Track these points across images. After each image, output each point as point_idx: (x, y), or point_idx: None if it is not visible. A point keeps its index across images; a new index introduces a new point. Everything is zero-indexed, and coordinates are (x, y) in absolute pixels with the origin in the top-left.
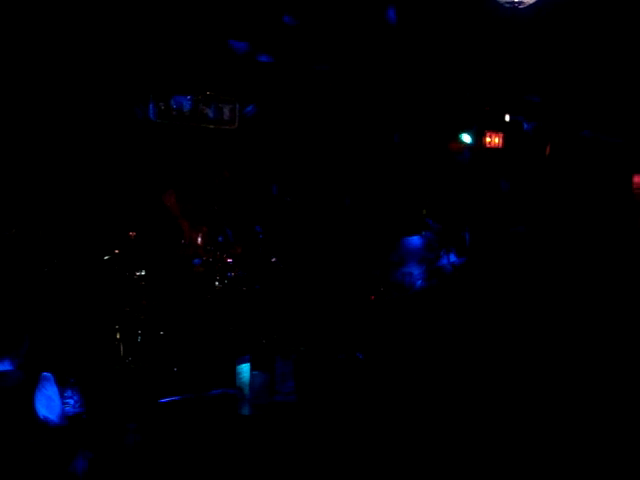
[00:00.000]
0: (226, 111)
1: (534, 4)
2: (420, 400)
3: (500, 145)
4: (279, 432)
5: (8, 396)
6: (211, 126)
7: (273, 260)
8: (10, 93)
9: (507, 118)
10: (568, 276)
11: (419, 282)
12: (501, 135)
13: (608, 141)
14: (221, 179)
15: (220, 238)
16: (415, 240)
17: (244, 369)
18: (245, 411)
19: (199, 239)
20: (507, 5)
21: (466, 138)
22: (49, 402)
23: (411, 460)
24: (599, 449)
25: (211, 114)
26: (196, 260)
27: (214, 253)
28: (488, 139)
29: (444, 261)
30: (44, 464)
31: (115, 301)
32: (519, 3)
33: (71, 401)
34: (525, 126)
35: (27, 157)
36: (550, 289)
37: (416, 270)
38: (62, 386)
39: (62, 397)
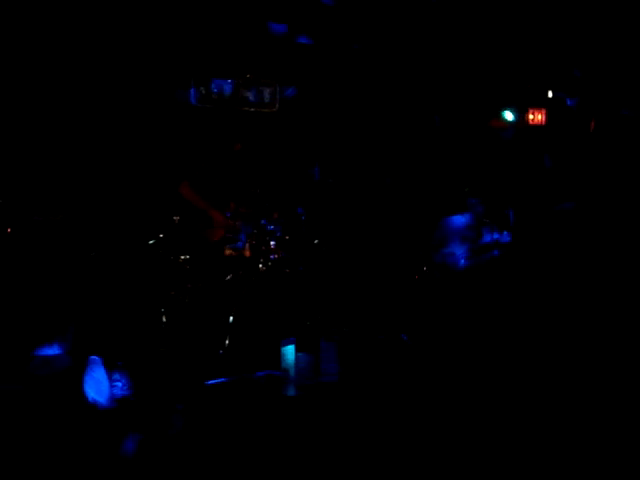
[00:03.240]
0: (266, 94)
1: None
2: (464, 382)
3: (543, 122)
4: (323, 413)
5: (58, 380)
6: (252, 109)
7: (316, 242)
8: (56, 79)
9: (550, 94)
10: (615, 257)
11: (462, 261)
12: (544, 112)
13: None
14: (234, 153)
15: (263, 221)
16: (458, 219)
17: (289, 351)
18: (290, 392)
19: (234, 222)
20: None
21: (508, 115)
22: (98, 385)
23: (448, 442)
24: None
25: (252, 97)
26: (239, 244)
27: (257, 236)
28: (531, 116)
29: (487, 240)
30: (94, 446)
31: (160, 285)
32: None
33: (119, 384)
34: (568, 102)
35: (74, 143)
36: (597, 269)
37: (459, 250)
38: (110, 369)
39: (110, 380)
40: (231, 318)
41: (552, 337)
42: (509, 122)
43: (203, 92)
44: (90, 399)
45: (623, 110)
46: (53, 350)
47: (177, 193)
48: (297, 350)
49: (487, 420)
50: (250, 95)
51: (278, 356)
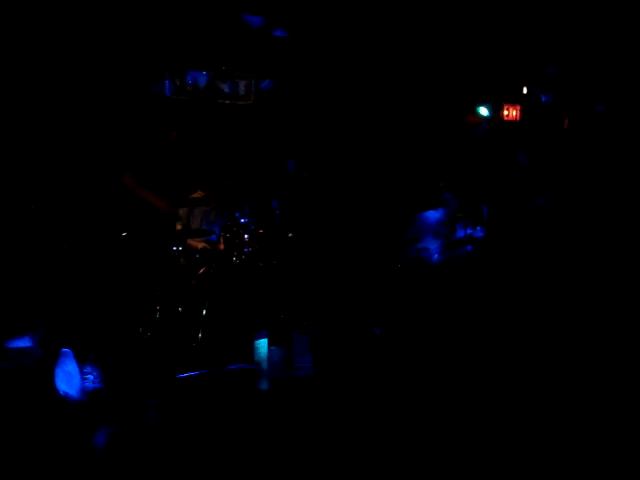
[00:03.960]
0: (242, 86)
1: None
2: (435, 374)
3: (518, 118)
4: (297, 406)
5: (28, 372)
6: (227, 101)
7: (290, 235)
8: (30, 73)
9: (525, 91)
10: (587, 251)
11: (436, 256)
12: (519, 108)
13: (622, 116)
14: (170, 141)
15: (237, 214)
16: (432, 214)
17: (262, 344)
18: (263, 385)
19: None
20: None
21: (483, 111)
22: (69, 378)
23: (425, 434)
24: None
25: (227, 89)
26: (213, 237)
27: (230, 229)
28: (506, 112)
29: (461, 235)
30: (65, 439)
31: (133, 277)
32: None
33: (91, 377)
34: (543, 98)
35: (46, 134)
36: (570, 263)
37: (432, 245)
38: (81, 362)
39: (82, 373)
40: (204, 311)
41: (524, 330)
42: (484, 117)
43: (178, 84)
44: (61, 392)
45: (597, 107)
46: (24, 342)
47: (120, 183)
48: (270, 343)
49: (460, 411)
50: (225, 87)
51: (251, 349)
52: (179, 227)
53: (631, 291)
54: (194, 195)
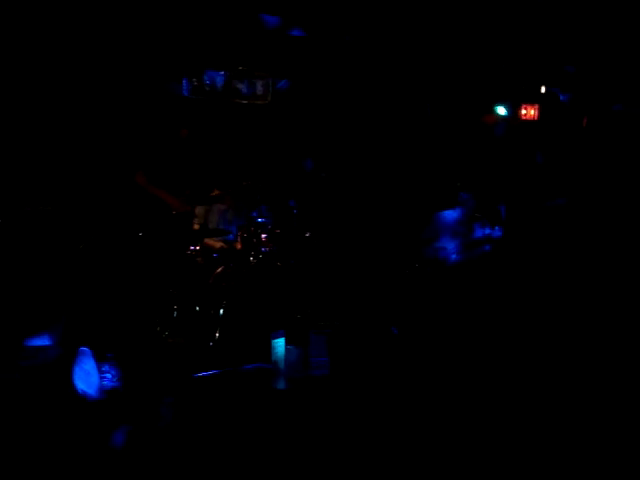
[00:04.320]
0: (259, 86)
1: None
2: (452, 375)
3: (536, 117)
4: (313, 406)
5: (47, 370)
6: (244, 101)
7: (307, 235)
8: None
9: (543, 90)
10: (606, 251)
11: (453, 256)
12: (537, 107)
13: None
14: (181, 139)
15: (254, 213)
16: (449, 214)
17: (279, 344)
18: (280, 385)
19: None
20: None
21: (501, 110)
22: (87, 376)
23: (441, 435)
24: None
25: (244, 89)
26: (230, 236)
27: (248, 229)
28: (524, 111)
29: (479, 235)
30: (84, 437)
31: (151, 276)
32: None
33: (109, 375)
34: (561, 97)
35: (63, 135)
36: (589, 264)
37: (450, 244)
38: (100, 361)
39: (100, 371)
40: (222, 310)
41: (543, 332)
42: (502, 117)
43: (195, 84)
44: (79, 390)
45: (616, 106)
46: (43, 341)
47: (133, 182)
48: (287, 343)
49: (477, 414)
50: (243, 87)
51: (268, 349)
52: (197, 226)
53: None
54: (212, 194)
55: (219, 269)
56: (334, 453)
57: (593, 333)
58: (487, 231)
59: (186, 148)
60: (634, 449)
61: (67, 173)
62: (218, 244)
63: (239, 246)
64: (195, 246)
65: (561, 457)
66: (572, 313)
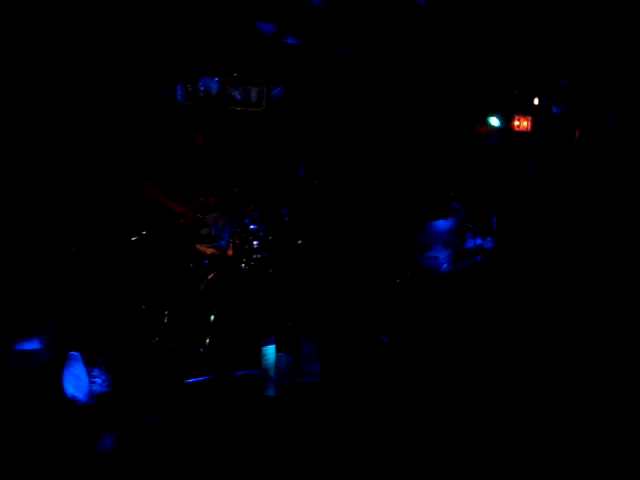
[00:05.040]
0: (253, 93)
1: None
2: (442, 383)
3: (529, 129)
4: (303, 413)
5: (37, 374)
6: (238, 108)
7: (299, 242)
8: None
9: (536, 102)
10: (597, 262)
11: (445, 266)
12: (530, 119)
13: (633, 129)
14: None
15: (246, 220)
16: (441, 224)
17: (269, 351)
18: (270, 392)
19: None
20: None
21: (494, 121)
22: (77, 381)
23: (431, 442)
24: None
25: (238, 96)
26: (222, 242)
27: (240, 235)
28: (517, 122)
29: (470, 245)
30: (72, 441)
31: (142, 282)
32: None
33: (98, 380)
34: (554, 109)
35: (58, 138)
36: (581, 275)
37: (442, 254)
38: (90, 365)
39: (89, 376)
40: (212, 317)
41: (534, 341)
42: (495, 128)
43: (190, 89)
44: (69, 394)
45: (608, 119)
46: (33, 345)
47: (140, 191)
48: (278, 350)
49: (467, 421)
50: (237, 94)
51: (259, 356)
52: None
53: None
54: (206, 201)
55: (210, 275)
56: (324, 460)
57: (584, 342)
58: (479, 241)
59: (201, 154)
60: (633, 449)
61: (60, 176)
62: (210, 250)
63: (230, 253)
64: (188, 252)
65: (554, 463)
66: (563, 322)
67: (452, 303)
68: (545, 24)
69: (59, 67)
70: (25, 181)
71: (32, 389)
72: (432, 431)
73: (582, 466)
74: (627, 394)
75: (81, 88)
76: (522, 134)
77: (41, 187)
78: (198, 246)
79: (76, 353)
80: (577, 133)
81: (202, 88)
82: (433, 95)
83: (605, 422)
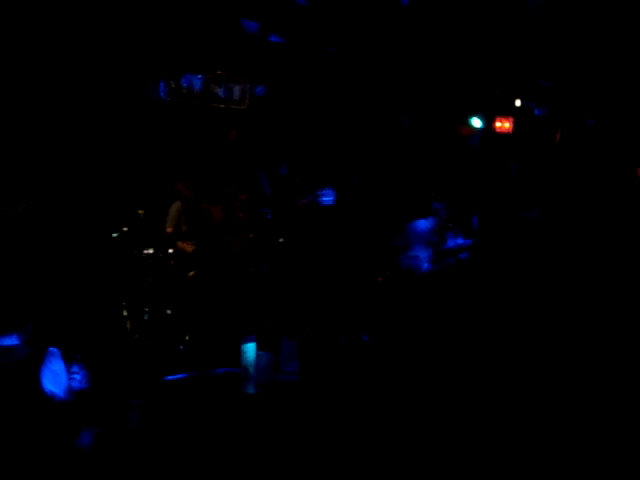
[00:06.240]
0: (236, 91)
1: None
2: (422, 382)
3: (510, 130)
4: (283, 411)
5: (15, 370)
6: (221, 106)
7: (280, 241)
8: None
9: (518, 103)
10: (576, 264)
11: (425, 265)
12: (511, 120)
13: (613, 131)
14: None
15: None
16: (422, 223)
17: (249, 348)
18: (250, 390)
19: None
20: None
21: (476, 122)
22: (55, 377)
23: (411, 442)
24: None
25: (221, 94)
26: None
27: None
28: (498, 124)
29: (451, 244)
30: (50, 438)
31: (122, 278)
32: None
33: (77, 376)
34: (536, 111)
35: (39, 134)
36: (559, 276)
37: (422, 254)
38: (68, 361)
39: (68, 372)
40: (192, 314)
41: (513, 339)
42: (476, 129)
43: (173, 86)
44: (47, 391)
45: (588, 120)
46: (11, 340)
47: (174, 191)
48: (258, 348)
49: (447, 419)
50: (220, 91)
51: (238, 353)
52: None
53: (619, 301)
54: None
55: (191, 273)
56: (302, 458)
57: (563, 341)
58: (459, 241)
59: (235, 150)
60: (632, 448)
61: (41, 172)
62: (190, 247)
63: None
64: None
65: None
66: (541, 319)
67: (432, 302)
68: (527, 26)
69: (41, 63)
70: (5, 176)
71: (10, 385)
72: (409, 427)
73: (579, 464)
74: (598, 387)
75: (63, 85)
76: (503, 135)
77: (22, 182)
78: (179, 243)
79: (55, 349)
80: (558, 135)
81: (185, 85)
82: (415, 95)
83: (590, 419)
